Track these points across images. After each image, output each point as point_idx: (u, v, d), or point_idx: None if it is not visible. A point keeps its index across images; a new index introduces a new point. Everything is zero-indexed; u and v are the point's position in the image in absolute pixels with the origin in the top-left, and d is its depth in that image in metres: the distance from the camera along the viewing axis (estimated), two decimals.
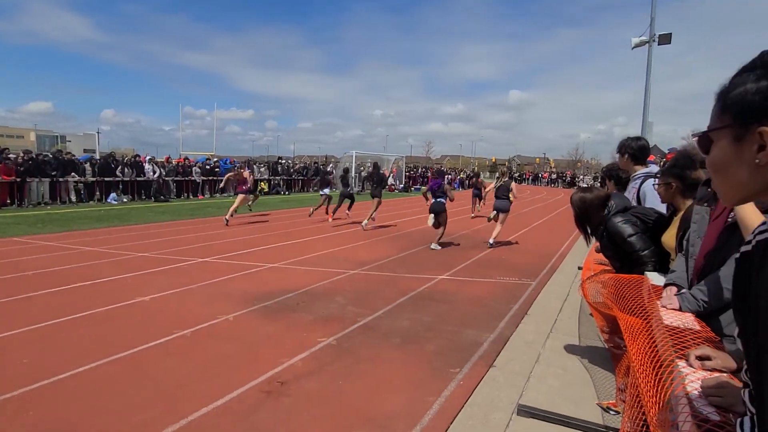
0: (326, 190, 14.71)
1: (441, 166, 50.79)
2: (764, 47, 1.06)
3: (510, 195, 10.28)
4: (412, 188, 35.83)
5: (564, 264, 8.91)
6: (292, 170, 30.35)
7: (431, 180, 12.06)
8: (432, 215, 10.02)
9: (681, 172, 2.91)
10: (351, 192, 13.98)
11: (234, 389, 3.68)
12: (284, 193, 27.07)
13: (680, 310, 2.18)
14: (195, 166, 23.70)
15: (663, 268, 3.22)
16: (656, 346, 1.83)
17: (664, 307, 2.23)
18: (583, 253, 9.60)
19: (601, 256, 3.95)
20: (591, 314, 4.88)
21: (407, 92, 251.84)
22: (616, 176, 4.62)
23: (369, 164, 37.09)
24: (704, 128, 1.13)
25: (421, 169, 46.86)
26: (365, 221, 12.46)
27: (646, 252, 3.30)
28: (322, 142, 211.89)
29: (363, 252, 9.48)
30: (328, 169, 33.95)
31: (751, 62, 1.05)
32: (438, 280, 7.32)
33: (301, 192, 29.47)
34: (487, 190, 13.84)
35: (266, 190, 26.30)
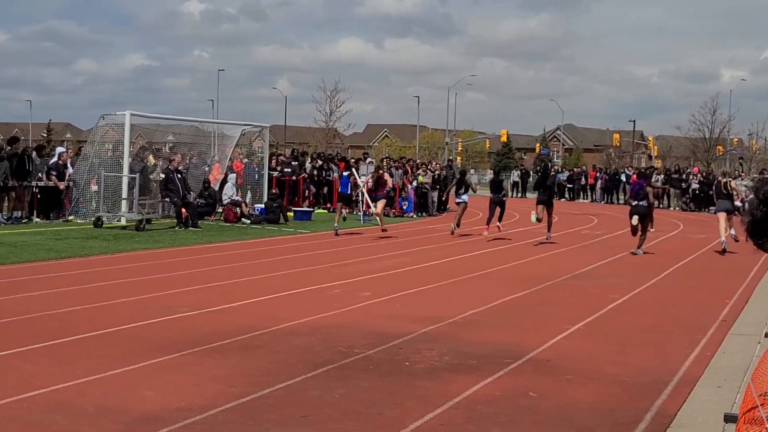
0: (464, 197, 16.22)
1: (366, 154, 32.28)
2: None
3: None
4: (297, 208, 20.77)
5: (690, 406, 5.24)
6: None
7: (634, 181, 14.17)
8: (636, 217, 12.76)
9: None
10: (502, 198, 15.97)
11: None
12: None
13: None
14: None
15: None
16: None
17: None
18: (741, 370, 5.78)
19: None
20: None
21: None
22: None
23: (167, 149, 21.89)
24: None
25: (317, 160, 24.85)
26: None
27: None
28: (30, 85, 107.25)
29: (158, 385, 5.04)
30: (65, 162, 16.58)
31: None
32: None
33: None
34: (739, 196, 14.80)
35: None
